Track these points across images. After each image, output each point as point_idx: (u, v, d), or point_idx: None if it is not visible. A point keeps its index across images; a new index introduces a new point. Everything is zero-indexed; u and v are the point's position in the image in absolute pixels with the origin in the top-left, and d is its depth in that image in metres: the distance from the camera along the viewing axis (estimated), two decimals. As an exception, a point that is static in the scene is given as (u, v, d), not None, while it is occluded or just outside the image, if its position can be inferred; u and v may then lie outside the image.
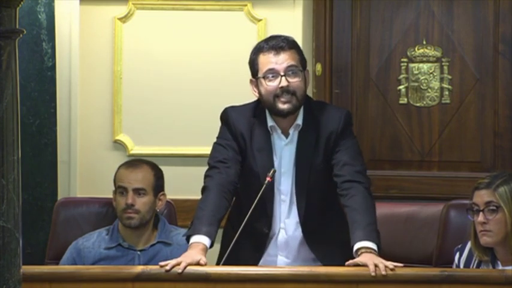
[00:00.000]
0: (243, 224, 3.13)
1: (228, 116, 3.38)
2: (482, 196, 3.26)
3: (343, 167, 3.26)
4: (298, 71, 3.24)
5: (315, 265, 3.30)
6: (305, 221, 3.32)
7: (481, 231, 3.25)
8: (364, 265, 2.97)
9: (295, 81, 3.23)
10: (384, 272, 2.93)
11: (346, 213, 3.20)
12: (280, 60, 3.23)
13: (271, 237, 3.35)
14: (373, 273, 2.93)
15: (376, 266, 2.94)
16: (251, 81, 3.32)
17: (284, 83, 3.21)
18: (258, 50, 3.29)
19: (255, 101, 3.37)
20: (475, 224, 3.28)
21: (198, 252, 3.04)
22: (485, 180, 3.29)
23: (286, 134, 3.32)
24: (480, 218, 3.25)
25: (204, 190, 3.26)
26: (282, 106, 3.24)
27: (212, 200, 3.19)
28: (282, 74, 3.22)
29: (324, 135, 3.30)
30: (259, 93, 3.29)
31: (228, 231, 3.40)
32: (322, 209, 3.33)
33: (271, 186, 3.28)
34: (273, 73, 3.23)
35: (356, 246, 3.05)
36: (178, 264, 2.99)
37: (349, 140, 3.32)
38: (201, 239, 3.09)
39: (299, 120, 3.30)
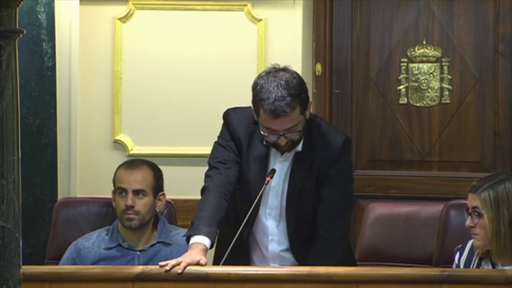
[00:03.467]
0: (239, 230, 3.15)
1: (228, 118, 3.37)
2: (470, 200, 3.28)
3: (325, 208, 3.28)
4: (297, 131, 3.18)
5: None
6: (294, 237, 3.33)
7: (471, 233, 3.27)
8: None
9: (293, 135, 3.19)
10: None
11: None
12: (279, 123, 3.14)
13: (262, 248, 3.36)
14: None
15: None
16: (252, 106, 3.25)
17: (283, 141, 3.18)
18: (259, 100, 3.14)
19: None
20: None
21: (198, 253, 3.05)
22: (477, 183, 3.29)
23: (282, 153, 3.31)
24: (468, 221, 3.28)
25: (203, 191, 3.26)
26: (280, 148, 3.24)
27: (212, 201, 3.20)
28: (281, 133, 3.17)
29: (319, 160, 3.28)
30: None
31: (225, 229, 3.40)
32: (310, 227, 3.33)
33: (259, 197, 3.27)
34: (272, 132, 3.18)
35: None
36: (178, 264, 2.99)
37: (341, 173, 3.30)
38: (201, 240, 3.10)
39: (299, 148, 3.28)
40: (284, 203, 3.31)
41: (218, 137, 3.39)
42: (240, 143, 3.32)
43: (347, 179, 3.34)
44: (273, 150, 3.30)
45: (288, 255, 3.35)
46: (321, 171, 3.28)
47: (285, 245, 3.35)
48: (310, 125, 3.31)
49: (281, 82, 3.14)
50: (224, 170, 3.27)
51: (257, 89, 3.17)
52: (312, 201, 3.30)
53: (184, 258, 3.01)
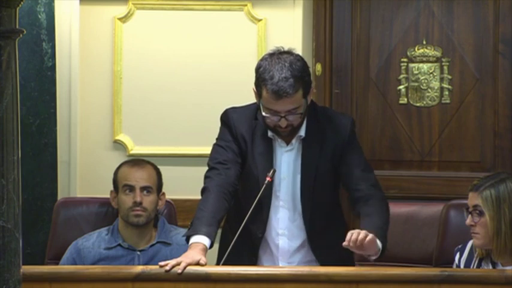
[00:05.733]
0: (241, 227, 3.14)
1: (228, 118, 3.37)
2: (471, 198, 3.28)
3: (360, 183, 3.28)
4: (298, 113, 3.19)
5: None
6: (310, 227, 3.33)
7: (471, 232, 3.27)
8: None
9: (294, 118, 3.20)
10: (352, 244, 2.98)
11: (361, 218, 3.20)
12: (281, 105, 3.16)
13: (270, 243, 3.35)
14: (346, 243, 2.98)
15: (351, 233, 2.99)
16: (253, 89, 3.28)
17: (283, 123, 3.19)
18: (262, 80, 3.17)
19: (255, 103, 3.34)
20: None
21: (198, 253, 3.04)
22: (478, 182, 3.29)
23: (287, 142, 3.32)
24: (468, 220, 3.28)
25: (203, 191, 3.26)
26: (281, 133, 3.25)
27: (212, 201, 3.19)
28: (283, 115, 3.18)
29: (330, 143, 3.30)
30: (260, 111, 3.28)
31: (226, 232, 3.40)
32: (326, 215, 3.33)
33: (269, 191, 3.27)
34: (273, 113, 3.19)
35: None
36: (178, 264, 2.99)
37: (356, 151, 3.34)
38: (201, 239, 3.09)
39: (302, 132, 3.29)
40: (298, 192, 3.31)
41: (217, 138, 3.39)
42: (244, 141, 3.32)
43: (363, 157, 3.38)
44: (277, 142, 3.31)
45: (299, 252, 3.35)
46: (335, 154, 3.30)
47: (297, 239, 3.34)
48: (314, 109, 3.33)
49: (285, 64, 3.16)
50: (224, 170, 3.27)
51: (260, 70, 3.19)
52: (326, 187, 3.30)
53: (184, 258, 3.01)
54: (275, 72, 3.14)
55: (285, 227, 3.34)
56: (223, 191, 3.22)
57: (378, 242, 3.07)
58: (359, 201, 3.25)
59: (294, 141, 3.30)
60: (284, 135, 3.26)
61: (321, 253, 3.34)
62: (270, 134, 3.30)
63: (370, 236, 2.99)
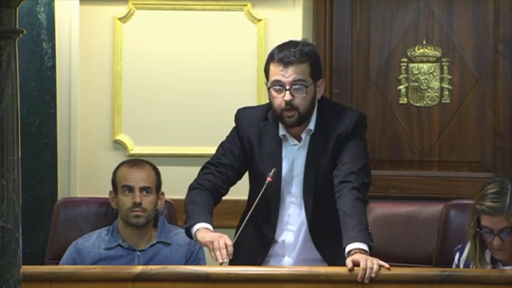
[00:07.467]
0: (242, 227, 3.16)
1: (238, 118, 3.38)
2: (494, 222, 3.17)
3: (340, 167, 3.25)
4: (304, 86, 3.20)
5: (321, 266, 3.29)
6: (312, 223, 3.32)
7: (498, 249, 3.20)
8: (357, 264, 2.96)
9: (299, 96, 3.20)
10: (366, 280, 2.92)
11: (340, 220, 3.16)
12: (287, 74, 3.19)
13: (278, 240, 3.36)
14: (359, 279, 2.92)
15: (364, 270, 2.93)
16: (266, 84, 3.30)
17: (288, 97, 3.19)
18: (270, 57, 3.25)
19: (268, 103, 3.34)
20: (488, 243, 3.22)
21: (213, 233, 3.07)
22: (495, 203, 3.17)
23: (299, 139, 3.32)
24: (496, 241, 3.18)
25: (189, 188, 3.31)
26: (287, 119, 3.24)
27: (197, 196, 3.24)
28: (287, 87, 3.20)
29: (334, 136, 3.28)
30: (269, 100, 3.29)
31: (242, 230, 3.40)
32: (328, 210, 3.32)
33: (279, 189, 3.28)
34: (279, 85, 3.21)
35: (347, 248, 3.04)
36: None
37: (355, 141, 3.30)
38: (205, 225, 3.12)
39: (311, 126, 3.29)
40: (302, 188, 3.31)
41: (226, 137, 3.41)
42: (250, 142, 3.33)
43: (360, 147, 3.31)
44: (288, 142, 3.31)
45: (304, 247, 3.34)
46: (336, 147, 3.28)
47: (303, 234, 3.34)
48: (324, 105, 3.33)
49: (297, 43, 3.27)
50: (215, 171, 3.32)
51: (270, 53, 3.28)
52: (328, 183, 3.27)
53: (219, 239, 3.02)
54: (285, 47, 3.24)
55: (295, 223, 3.34)
56: (207, 190, 3.27)
57: (365, 246, 3.05)
58: (336, 194, 3.20)
59: (304, 136, 3.30)
60: (290, 123, 3.23)
61: (325, 251, 3.33)
62: (281, 133, 3.31)
63: (380, 263, 2.98)
